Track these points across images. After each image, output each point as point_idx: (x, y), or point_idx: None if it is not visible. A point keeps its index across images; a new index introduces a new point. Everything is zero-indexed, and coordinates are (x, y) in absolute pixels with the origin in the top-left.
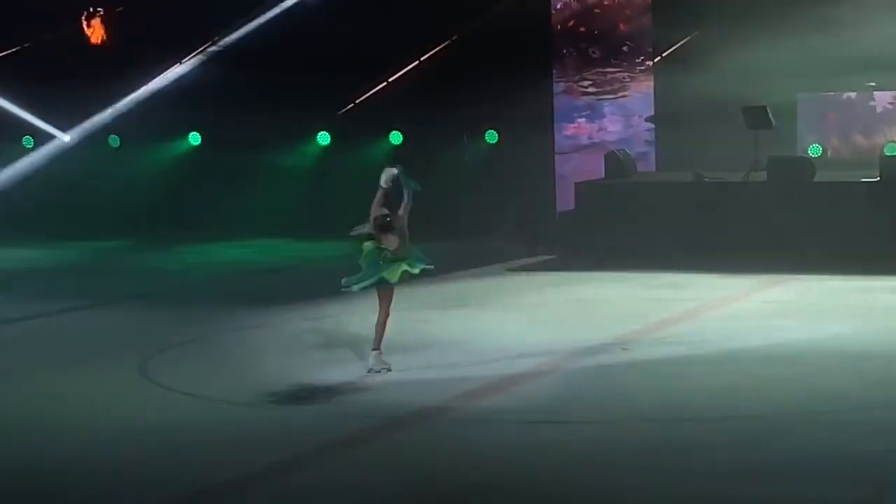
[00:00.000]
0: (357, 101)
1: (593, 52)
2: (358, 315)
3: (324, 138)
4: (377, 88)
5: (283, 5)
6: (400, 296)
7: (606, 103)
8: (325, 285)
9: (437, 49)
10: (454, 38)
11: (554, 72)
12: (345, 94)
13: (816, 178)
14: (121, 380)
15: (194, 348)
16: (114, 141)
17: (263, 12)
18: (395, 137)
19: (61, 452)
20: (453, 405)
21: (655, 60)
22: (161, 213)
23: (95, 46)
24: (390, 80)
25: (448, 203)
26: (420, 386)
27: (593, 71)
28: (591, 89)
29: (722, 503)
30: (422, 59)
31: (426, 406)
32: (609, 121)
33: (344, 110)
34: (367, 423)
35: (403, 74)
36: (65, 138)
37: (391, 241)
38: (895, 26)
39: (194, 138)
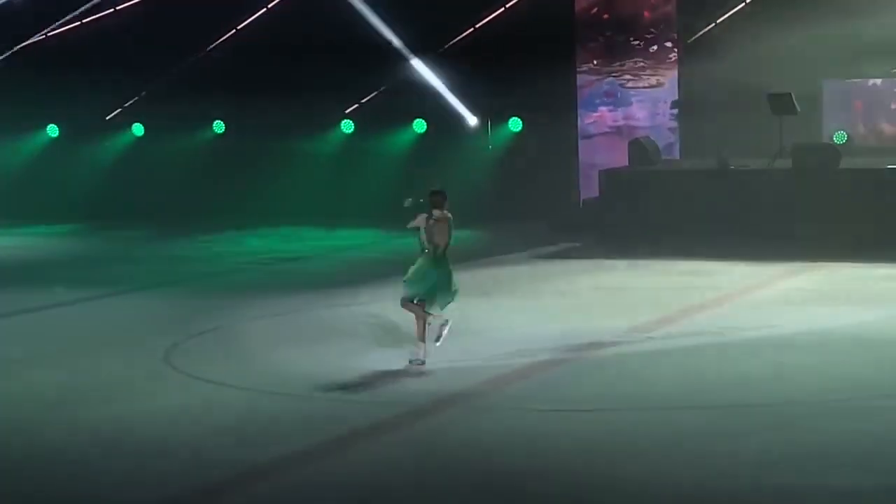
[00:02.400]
0: (381, 90)
1: (617, 40)
2: (379, 304)
3: (347, 126)
4: (401, 76)
5: None
6: None
7: (631, 91)
8: (345, 274)
9: (460, 38)
10: (477, 26)
11: (577, 59)
12: (368, 83)
13: (842, 166)
14: (145, 367)
15: (217, 336)
16: (138, 129)
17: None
18: (420, 126)
19: (85, 438)
20: (477, 392)
21: (680, 48)
22: (184, 202)
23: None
24: (413, 68)
25: (471, 190)
26: (443, 374)
27: (617, 59)
28: (614, 77)
29: (752, 490)
30: (445, 46)
31: (450, 394)
32: (634, 108)
33: (367, 99)
34: (390, 412)
35: (428, 63)
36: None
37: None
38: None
39: (218, 126)
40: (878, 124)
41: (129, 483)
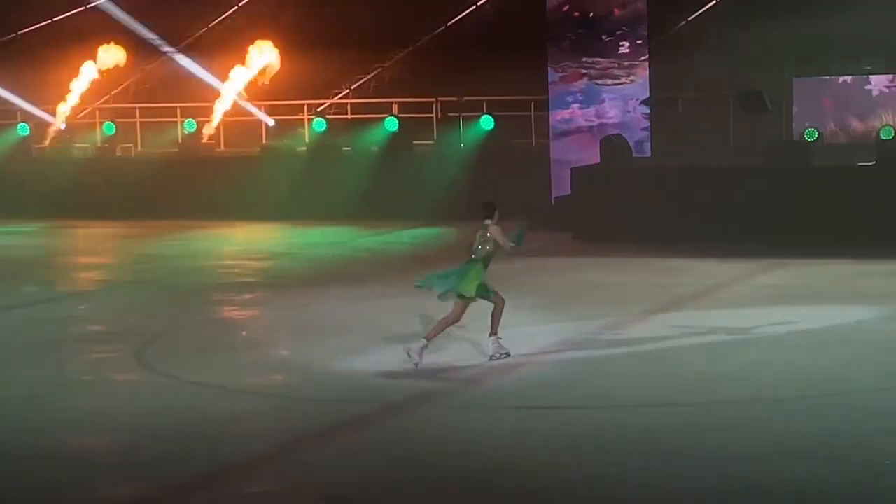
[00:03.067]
0: (352, 88)
1: (588, 38)
2: (349, 302)
3: (319, 124)
4: (372, 75)
5: None
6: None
7: (602, 88)
8: (314, 272)
9: (431, 36)
10: (449, 24)
11: (549, 57)
12: (340, 80)
13: (813, 163)
14: (115, 365)
15: (186, 335)
16: (108, 128)
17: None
18: (391, 124)
19: (59, 436)
20: (451, 391)
21: (651, 45)
22: (153, 201)
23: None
24: (385, 66)
25: (444, 188)
26: (418, 372)
27: (588, 56)
28: (586, 74)
29: (720, 486)
30: (417, 45)
31: (424, 392)
32: (606, 106)
33: (340, 96)
34: (364, 410)
35: (398, 61)
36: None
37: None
38: (891, 10)
39: (189, 125)
40: (849, 122)
41: (96, 481)
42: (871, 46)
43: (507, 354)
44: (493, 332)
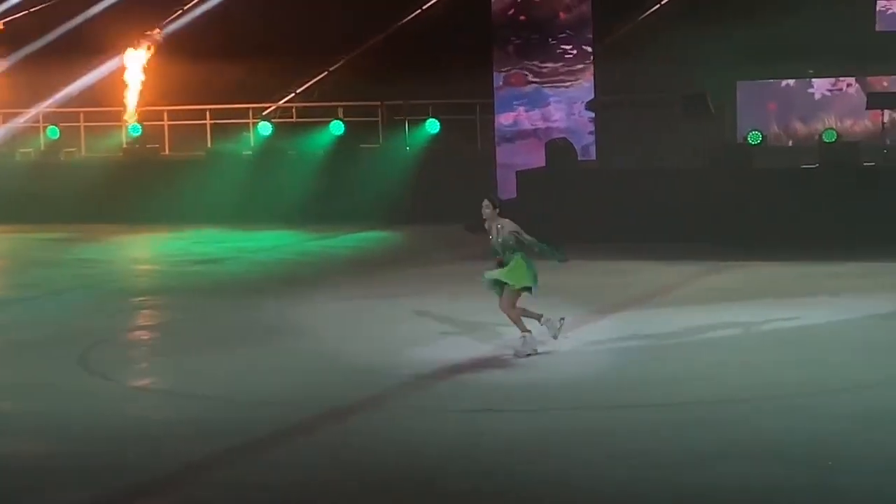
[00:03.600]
0: (298, 91)
1: (533, 41)
2: (295, 305)
3: (265, 128)
4: (317, 79)
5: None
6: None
7: (548, 92)
8: (260, 275)
9: (377, 39)
10: (394, 27)
11: (494, 61)
12: (285, 84)
13: (757, 166)
14: (61, 371)
15: (132, 340)
16: (52, 132)
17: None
18: (337, 127)
19: (2, 441)
20: (397, 394)
21: (596, 49)
22: (98, 205)
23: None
24: (331, 69)
25: (390, 191)
26: (364, 376)
27: (534, 60)
28: (532, 78)
29: (672, 488)
30: (362, 48)
31: (370, 395)
32: (551, 109)
33: (285, 99)
34: (309, 414)
35: (344, 64)
36: None
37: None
38: (833, 14)
39: (134, 129)
40: (792, 125)
41: (44, 485)
42: (813, 50)
43: (536, 351)
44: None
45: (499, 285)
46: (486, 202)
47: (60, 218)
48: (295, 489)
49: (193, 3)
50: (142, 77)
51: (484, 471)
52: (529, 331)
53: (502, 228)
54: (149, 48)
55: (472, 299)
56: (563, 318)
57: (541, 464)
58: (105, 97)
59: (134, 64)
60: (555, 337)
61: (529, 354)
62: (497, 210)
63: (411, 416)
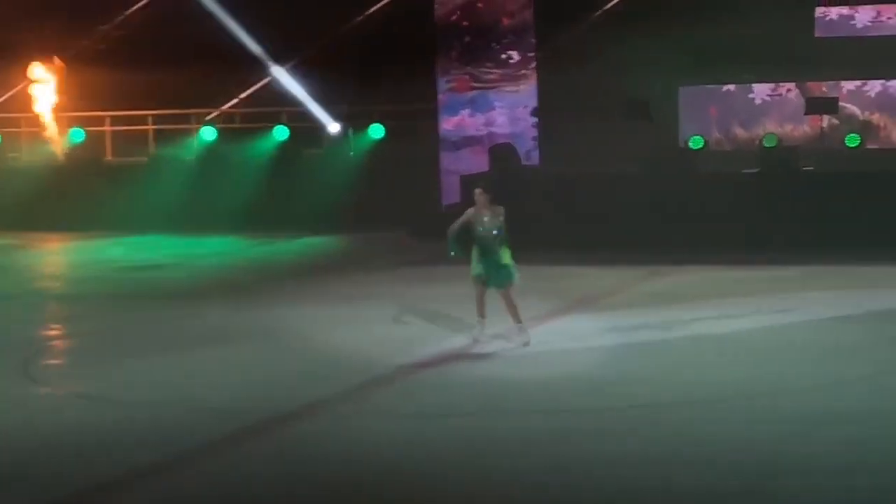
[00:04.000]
0: (241, 97)
1: (477, 47)
2: (239, 312)
3: (209, 133)
4: (261, 84)
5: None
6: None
7: (492, 97)
8: (204, 282)
9: (321, 44)
10: (338, 33)
11: (438, 66)
12: (230, 90)
13: (699, 170)
14: (3, 378)
15: (74, 346)
16: None
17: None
18: (281, 133)
19: None
20: (339, 400)
21: (539, 54)
22: (39, 211)
23: None
24: (274, 75)
25: (335, 197)
26: (305, 382)
27: (478, 65)
28: (475, 83)
29: (621, 492)
30: (306, 54)
31: (312, 402)
32: (495, 114)
33: (229, 105)
34: (250, 421)
35: (288, 70)
36: None
37: None
38: (774, 20)
39: (76, 135)
40: (733, 130)
41: None
42: (754, 55)
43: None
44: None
45: (494, 275)
46: (479, 190)
47: (1, 224)
48: (237, 498)
49: (134, 8)
50: (54, 98)
51: (433, 476)
52: (521, 322)
53: (499, 215)
54: (55, 74)
55: (418, 304)
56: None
57: (485, 468)
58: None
59: (41, 82)
60: (476, 339)
61: (526, 343)
62: (490, 196)
63: (359, 422)
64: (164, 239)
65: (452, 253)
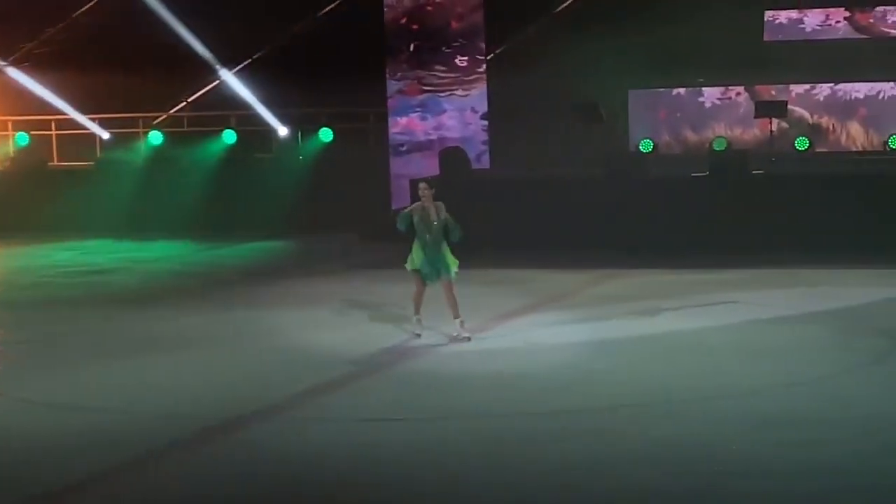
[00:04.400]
0: (190, 101)
1: (427, 50)
2: (184, 316)
3: (156, 137)
4: (209, 87)
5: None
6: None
7: (442, 101)
8: (152, 286)
9: (269, 48)
10: (287, 36)
11: (388, 69)
12: (178, 94)
13: (649, 174)
14: None
15: (21, 352)
16: None
17: (93, 11)
18: (229, 136)
19: None
20: (289, 405)
21: (489, 57)
22: None
23: None
24: (223, 79)
25: (284, 201)
26: (254, 387)
27: (427, 68)
28: (425, 87)
29: (567, 495)
30: (254, 57)
31: (262, 407)
32: (445, 118)
33: (177, 108)
34: (199, 426)
35: (237, 73)
36: None
37: None
38: (723, 24)
39: (21, 139)
40: (683, 133)
41: None
42: (703, 59)
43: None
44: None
45: (433, 269)
46: (424, 184)
47: None
48: (186, 501)
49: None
50: None
51: (379, 482)
52: (460, 317)
53: (441, 209)
54: None
55: (367, 307)
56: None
57: (436, 472)
58: None
59: None
60: (418, 335)
61: (466, 338)
62: (434, 192)
63: (309, 427)
64: (112, 243)
65: (402, 228)
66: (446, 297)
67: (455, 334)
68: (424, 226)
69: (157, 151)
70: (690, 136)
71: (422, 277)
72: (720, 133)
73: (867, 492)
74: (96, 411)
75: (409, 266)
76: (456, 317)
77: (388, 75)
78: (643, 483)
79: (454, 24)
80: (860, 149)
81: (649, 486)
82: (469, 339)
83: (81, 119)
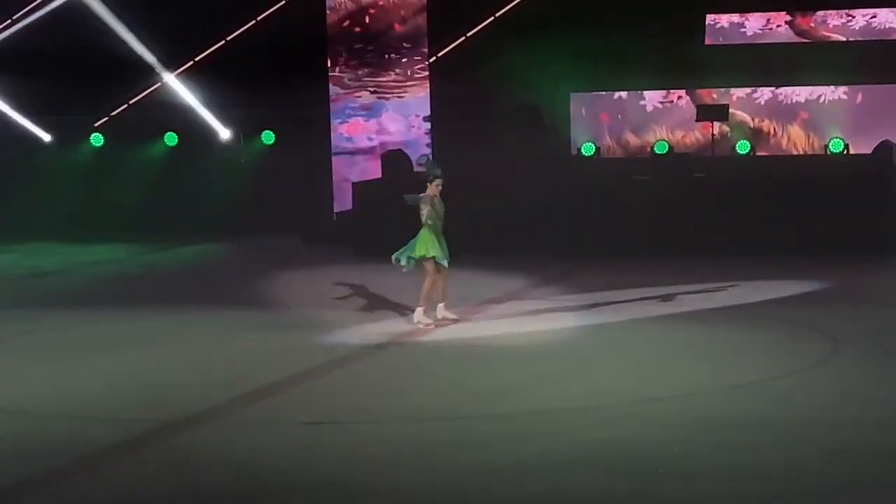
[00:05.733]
0: (131, 103)
1: (369, 53)
2: (129, 319)
3: (97, 140)
4: (151, 90)
5: (52, 6)
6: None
7: (385, 104)
8: (94, 289)
9: (211, 50)
10: (228, 38)
11: (330, 72)
12: (118, 97)
13: (590, 177)
14: None
15: None
16: None
17: (32, 14)
18: (171, 139)
19: None
20: (230, 408)
21: (432, 61)
22: None
23: None
24: (164, 81)
25: (226, 204)
26: (196, 389)
27: (370, 71)
28: (368, 90)
29: (511, 497)
30: (196, 60)
31: (203, 410)
32: (388, 121)
33: (117, 112)
34: (141, 428)
35: (178, 76)
36: None
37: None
38: (664, 28)
39: None
40: (624, 136)
41: None
42: (645, 62)
43: (432, 324)
44: (421, 304)
45: (447, 253)
46: (441, 180)
47: None
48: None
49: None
50: None
51: (320, 486)
52: (423, 306)
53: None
54: None
55: (312, 309)
56: None
57: (375, 476)
58: None
59: None
60: (455, 319)
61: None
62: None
63: (254, 430)
64: (54, 246)
65: (408, 200)
66: (444, 282)
67: (440, 317)
68: (437, 214)
69: (99, 154)
70: (632, 139)
71: (438, 262)
72: (662, 137)
73: (808, 494)
74: (34, 415)
75: (421, 254)
76: (442, 301)
77: (330, 78)
78: (582, 485)
79: (397, 28)
80: (801, 152)
81: (588, 488)
82: (456, 320)
83: (23, 121)
